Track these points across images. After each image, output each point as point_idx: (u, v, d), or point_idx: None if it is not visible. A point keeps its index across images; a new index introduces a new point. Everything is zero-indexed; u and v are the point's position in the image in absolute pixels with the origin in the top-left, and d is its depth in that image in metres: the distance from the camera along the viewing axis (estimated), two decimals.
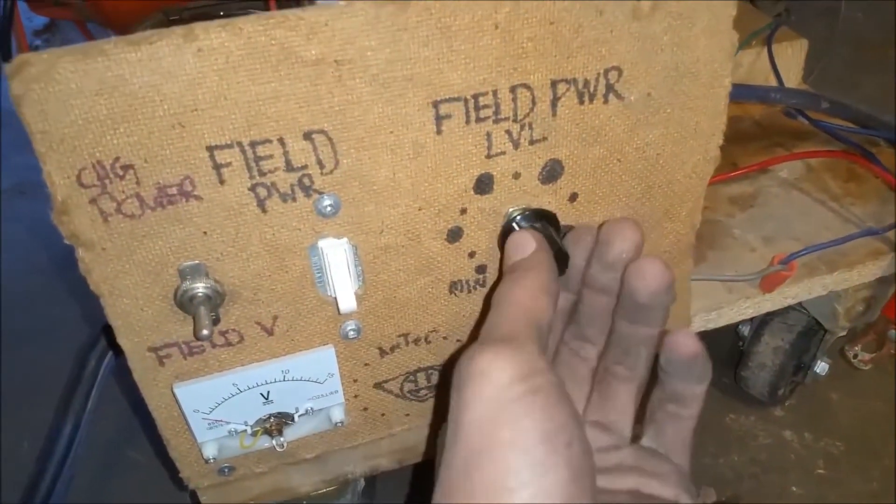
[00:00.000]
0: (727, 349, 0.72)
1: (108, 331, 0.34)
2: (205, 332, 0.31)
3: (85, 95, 0.27)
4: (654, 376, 0.34)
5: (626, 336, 0.32)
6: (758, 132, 0.66)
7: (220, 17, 0.72)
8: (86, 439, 0.50)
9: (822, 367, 0.67)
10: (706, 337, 0.51)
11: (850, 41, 1.39)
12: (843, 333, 0.62)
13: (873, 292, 0.56)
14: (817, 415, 0.71)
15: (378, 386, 0.41)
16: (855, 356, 0.58)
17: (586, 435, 0.26)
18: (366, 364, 0.39)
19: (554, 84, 0.33)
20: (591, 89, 0.33)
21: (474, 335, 0.39)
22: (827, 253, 0.52)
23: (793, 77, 0.72)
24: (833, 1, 0.91)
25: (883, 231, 0.53)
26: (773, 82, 0.67)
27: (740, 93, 0.55)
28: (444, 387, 0.43)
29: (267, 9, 0.63)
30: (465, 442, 0.25)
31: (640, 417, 0.34)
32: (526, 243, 0.33)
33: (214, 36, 0.27)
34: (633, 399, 0.34)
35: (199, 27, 0.27)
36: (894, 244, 0.54)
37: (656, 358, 0.33)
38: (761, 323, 0.65)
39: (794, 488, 0.66)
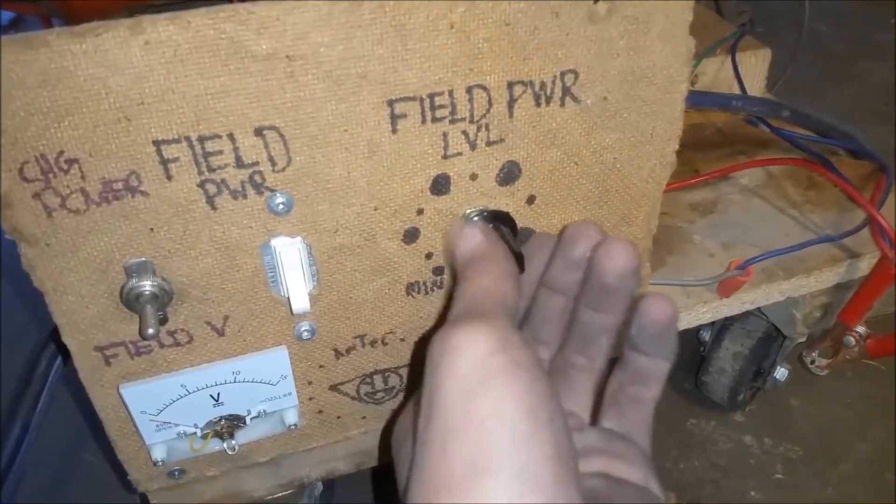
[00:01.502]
0: (688, 354, 0.73)
1: (56, 333, 0.33)
2: (151, 331, 0.31)
3: (27, 87, 0.26)
4: (611, 363, 0.34)
5: (588, 325, 0.32)
6: (720, 139, 0.67)
7: None
8: (37, 441, 0.49)
9: (781, 372, 0.67)
10: None
11: (817, 53, 1.42)
12: (803, 339, 0.62)
13: (831, 298, 0.57)
14: (777, 420, 0.72)
15: (334, 388, 0.40)
16: (812, 362, 0.58)
17: (566, 419, 0.26)
18: (321, 366, 0.39)
19: (510, 86, 0.32)
20: (548, 92, 0.33)
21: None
22: (785, 259, 0.53)
23: (756, 85, 0.73)
24: (798, 13, 0.92)
25: (839, 238, 0.54)
26: (737, 90, 0.68)
27: (702, 100, 0.55)
28: (402, 389, 0.42)
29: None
30: (441, 419, 0.24)
31: (597, 408, 0.34)
32: (473, 235, 0.33)
33: (162, 29, 0.26)
34: (592, 389, 0.33)
35: (146, 20, 0.26)
36: (851, 251, 0.54)
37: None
38: (721, 328, 0.65)
39: (752, 493, 0.67)
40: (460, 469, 0.23)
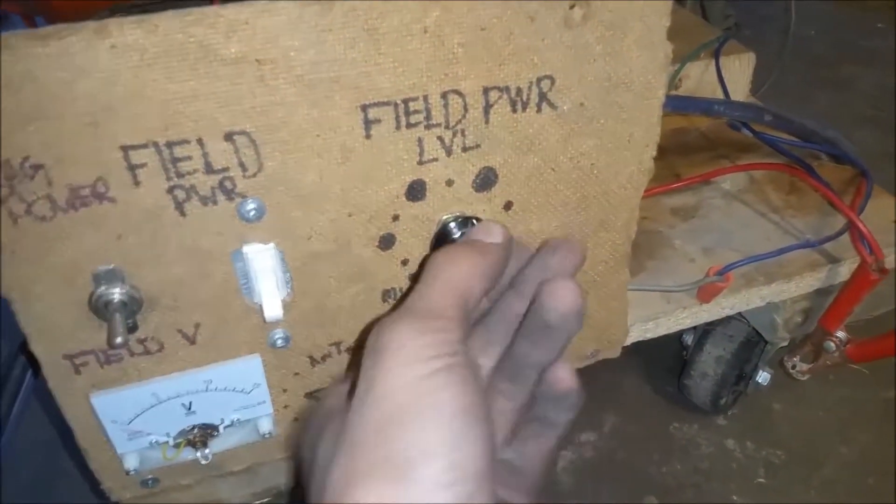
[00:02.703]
0: (671, 358, 0.73)
1: (25, 342, 0.33)
2: (119, 339, 0.30)
3: None
4: None
5: (521, 356, 0.32)
6: (703, 144, 0.67)
7: None
8: (13, 448, 0.48)
9: (763, 376, 0.68)
10: (649, 345, 0.51)
11: (804, 57, 1.42)
12: (785, 344, 0.63)
13: (811, 303, 0.57)
14: (759, 424, 0.72)
15: (309, 395, 0.40)
16: (793, 367, 0.58)
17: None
18: (296, 373, 0.38)
19: (486, 91, 0.32)
20: (524, 97, 0.33)
21: None
22: (765, 264, 0.53)
23: (740, 89, 0.73)
24: (785, 17, 0.92)
25: (819, 244, 0.54)
26: (721, 94, 0.68)
27: (684, 104, 0.55)
28: None
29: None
30: (378, 408, 0.25)
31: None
32: (494, 231, 0.32)
33: (129, 32, 0.26)
34: (510, 417, 0.33)
35: (112, 23, 0.26)
36: (831, 257, 0.54)
37: None
38: (704, 333, 0.65)
39: (735, 497, 0.67)
40: (397, 454, 0.24)
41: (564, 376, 0.30)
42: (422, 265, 0.36)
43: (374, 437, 0.24)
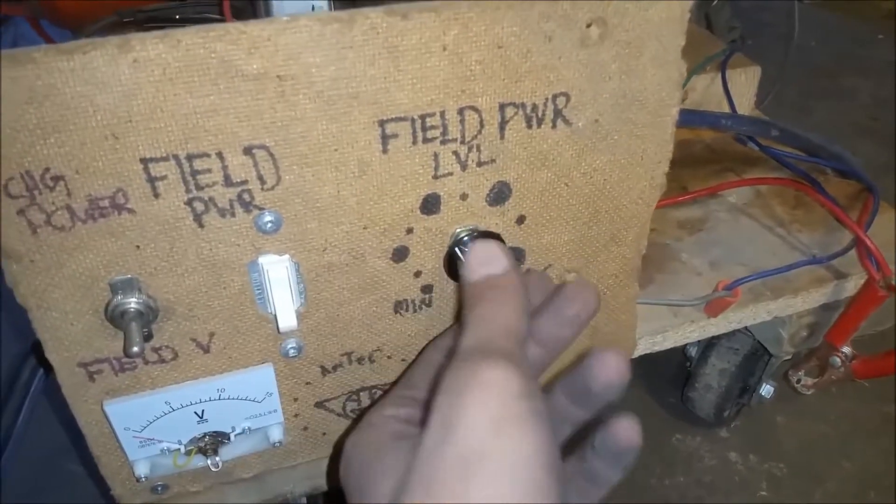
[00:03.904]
0: (674, 370, 0.73)
1: (38, 346, 0.33)
2: (135, 349, 0.30)
3: (13, 103, 0.26)
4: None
5: (557, 409, 0.32)
6: (709, 156, 0.67)
7: (175, 20, 0.71)
8: (19, 450, 0.49)
9: (767, 389, 0.68)
10: (652, 357, 0.51)
11: (804, 68, 1.43)
12: (788, 358, 0.63)
13: (817, 318, 0.57)
14: (762, 437, 0.72)
15: (320, 405, 0.40)
16: (798, 381, 0.58)
17: None
18: (307, 383, 0.39)
19: (502, 107, 0.32)
20: (539, 114, 0.33)
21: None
22: (772, 279, 0.53)
23: (746, 103, 0.73)
24: (787, 27, 0.93)
25: (826, 260, 0.54)
26: (726, 107, 0.69)
27: (692, 118, 0.56)
28: None
29: (223, 16, 0.62)
30: (458, 446, 0.24)
31: None
32: (496, 258, 0.31)
33: (151, 47, 0.26)
34: None
35: (135, 38, 0.26)
36: (838, 272, 0.55)
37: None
38: (708, 345, 0.66)
39: None
40: (477, 499, 0.23)
41: (630, 432, 0.30)
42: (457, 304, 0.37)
43: (453, 478, 0.24)
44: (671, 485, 0.68)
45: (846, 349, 0.55)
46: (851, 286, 0.54)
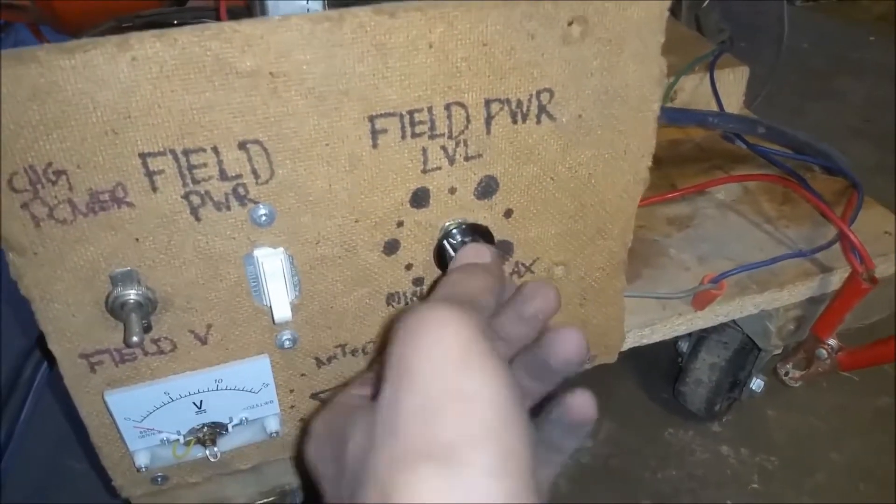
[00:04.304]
0: (666, 365, 0.74)
1: (42, 338, 0.34)
2: (135, 339, 0.31)
3: (17, 101, 0.27)
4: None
5: (524, 386, 0.33)
6: (698, 154, 0.68)
7: (174, 24, 0.72)
8: (21, 447, 0.49)
9: (757, 383, 0.69)
10: (645, 352, 0.53)
11: (797, 70, 1.45)
12: (778, 351, 0.64)
13: (804, 312, 0.59)
14: (753, 430, 0.73)
15: (315, 396, 0.41)
16: (786, 374, 0.59)
17: None
18: (302, 374, 0.40)
19: (488, 103, 0.34)
20: (524, 109, 0.34)
21: None
22: (758, 273, 0.54)
23: (734, 102, 0.74)
24: (780, 30, 0.94)
25: (811, 253, 0.55)
26: (715, 107, 0.70)
27: (679, 117, 0.57)
28: None
29: (219, 18, 0.63)
30: (418, 393, 0.24)
31: None
32: (483, 254, 0.33)
33: (149, 46, 0.27)
34: None
35: (133, 37, 0.27)
36: (823, 266, 0.56)
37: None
38: (698, 340, 0.67)
39: (729, 502, 0.68)
40: (446, 439, 0.23)
41: (586, 406, 0.30)
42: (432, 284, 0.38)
43: (417, 422, 0.23)
44: (664, 478, 0.69)
45: (832, 341, 0.56)
46: (837, 279, 0.55)
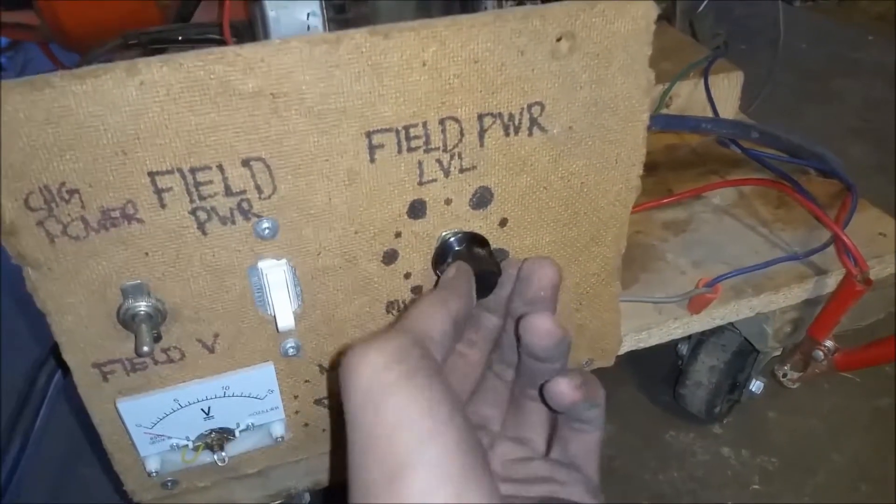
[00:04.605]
0: (667, 368, 0.75)
1: (56, 349, 0.35)
2: (145, 348, 0.33)
3: (33, 124, 0.29)
4: None
5: (532, 370, 0.34)
6: (694, 159, 0.69)
7: (178, 41, 0.74)
8: (36, 455, 0.51)
9: (757, 385, 0.70)
10: (645, 355, 0.54)
11: (796, 71, 1.45)
12: (776, 353, 0.65)
13: (800, 314, 0.60)
14: (754, 432, 0.74)
15: (319, 402, 0.42)
16: (784, 375, 0.60)
17: (468, 417, 0.28)
18: (306, 381, 0.41)
19: (480, 117, 0.35)
20: (516, 122, 0.36)
21: None
22: (754, 276, 0.55)
23: (729, 107, 0.75)
24: (776, 31, 0.95)
25: (804, 256, 0.56)
26: (710, 112, 0.71)
27: (673, 123, 0.58)
28: None
29: (223, 36, 0.65)
30: (355, 434, 0.27)
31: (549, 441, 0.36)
32: (449, 271, 0.36)
33: (156, 70, 0.29)
34: (546, 418, 0.36)
35: (141, 62, 0.29)
36: (818, 268, 0.57)
37: None
38: (698, 343, 0.68)
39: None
40: (379, 475, 0.25)
41: (563, 390, 0.32)
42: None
43: (360, 468, 0.26)
44: (665, 480, 0.70)
45: (829, 343, 0.57)
46: (832, 282, 0.56)
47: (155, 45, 0.72)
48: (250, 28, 0.63)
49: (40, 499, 0.63)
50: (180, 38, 0.72)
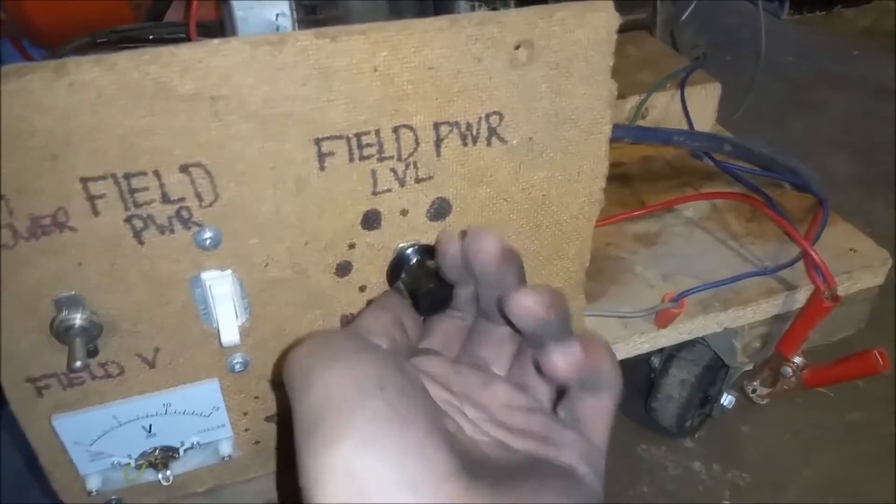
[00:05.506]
0: (640, 381, 0.74)
1: None
2: (78, 363, 0.31)
3: None
4: None
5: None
6: (669, 172, 0.68)
7: (149, 40, 0.72)
8: None
9: (728, 399, 0.69)
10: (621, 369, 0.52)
11: (780, 83, 1.46)
12: (749, 367, 0.64)
13: (770, 329, 0.59)
14: (726, 446, 0.73)
15: (270, 419, 0.41)
16: (753, 391, 0.59)
17: (408, 376, 0.28)
18: (256, 397, 0.39)
19: (436, 126, 0.34)
20: (474, 132, 0.34)
21: None
22: (722, 291, 0.54)
23: (707, 118, 0.75)
24: (766, 45, 0.95)
25: (773, 271, 0.55)
26: (686, 124, 0.70)
27: (644, 135, 0.57)
28: None
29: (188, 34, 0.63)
30: (297, 423, 0.26)
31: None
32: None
33: (87, 71, 0.27)
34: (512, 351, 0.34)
35: (71, 62, 0.27)
36: (788, 283, 0.56)
37: None
38: (669, 356, 0.67)
39: None
40: (313, 456, 0.25)
41: (558, 365, 0.29)
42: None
43: (303, 451, 0.26)
44: (635, 494, 0.69)
45: (797, 359, 0.56)
46: (801, 297, 0.56)
47: (125, 43, 0.70)
48: (222, 29, 0.61)
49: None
50: (151, 36, 0.71)
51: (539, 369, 0.31)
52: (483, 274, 0.32)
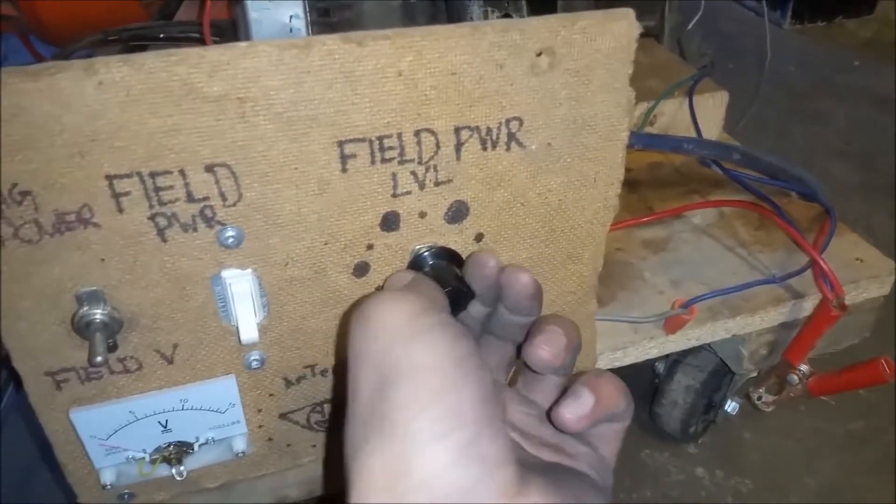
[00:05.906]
0: (644, 386, 0.74)
1: (7, 359, 0.34)
2: (99, 358, 0.31)
3: None
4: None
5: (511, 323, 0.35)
6: (677, 179, 0.69)
7: (160, 39, 0.72)
8: None
9: (732, 406, 0.69)
10: (623, 373, 0.53)
11: (783, 92, 1.46)
12: (754, 374, 0.64)
13: (776, 337, 0.59)
14: (729, 452, 0.74)
15: (284, 416, 0.41)
16: (759, 398, 0.60)
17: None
18: (271, 394, 0.40)
19: (457, 130, 0.34)
20: (494, 137, 0.35)
21: None
22: (730, 298, 0.54)
23: (714, 126, 0.75)
24: (764, 53, 0.95)
25: (781, 280, 0.56)
26: (694, 131, 0.70)
27: (654, 143, 0.57)
28: None
29: (202, 34, 0.64)
30: (374, 370, 0.26)
31: None
32: (406, 274, 0.35)
33: (115, 70, 0.28)
34: (558, 389, 0.35)
35: (99, 61, 0.27)
36: (795, 292, 0.56)
37: None
38: (674, 362, 0.67)
39: None
40: (390, 413, 0.25)
41: (566, 418, 0.30)
42: None
43: (369, 403, 0.26)
44: (639, 498, 0.69)
45: (804, 367, 0.57)
46: (809, 306, 0.56)
47: (135, 41, 0.70)
48: (234, 28, 0.61)
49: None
50: (162, 35, 0.71)
51: (549, 417, 0.32)
52: (516, 302, 0.34)
